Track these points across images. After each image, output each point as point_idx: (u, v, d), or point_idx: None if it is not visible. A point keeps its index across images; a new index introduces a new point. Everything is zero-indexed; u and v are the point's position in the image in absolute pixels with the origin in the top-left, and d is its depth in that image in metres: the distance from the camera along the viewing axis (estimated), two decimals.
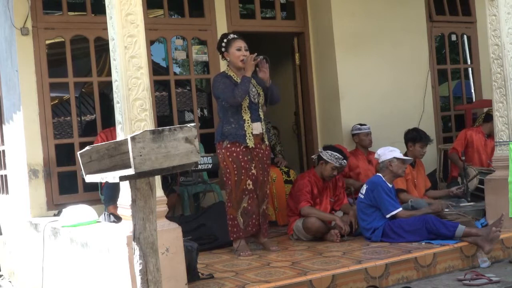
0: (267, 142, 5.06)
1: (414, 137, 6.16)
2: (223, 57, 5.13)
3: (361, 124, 6.53)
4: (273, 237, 5.54)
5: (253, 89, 4.97)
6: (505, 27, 5.37)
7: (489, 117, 6.57)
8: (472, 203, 5.93)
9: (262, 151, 5.00)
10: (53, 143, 5.78)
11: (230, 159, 4.88)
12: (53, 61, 6.21)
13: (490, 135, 6.56)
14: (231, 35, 5.07)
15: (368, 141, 6.48)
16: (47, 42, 5.86)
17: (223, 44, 5.02)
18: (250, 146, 4.88)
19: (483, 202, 5.62)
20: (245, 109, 4.90)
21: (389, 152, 5.30)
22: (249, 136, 4.89)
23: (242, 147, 4.88)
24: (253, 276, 4.15)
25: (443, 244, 4.71)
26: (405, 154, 5.92)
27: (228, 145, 4.88)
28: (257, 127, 4.94)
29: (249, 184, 4.90)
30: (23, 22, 5.61)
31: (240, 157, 4.87)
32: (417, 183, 6.13)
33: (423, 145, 6.11)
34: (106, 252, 3.90)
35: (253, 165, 4.93)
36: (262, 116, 5.01)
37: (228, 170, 4.91)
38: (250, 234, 5.00)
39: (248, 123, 4.90)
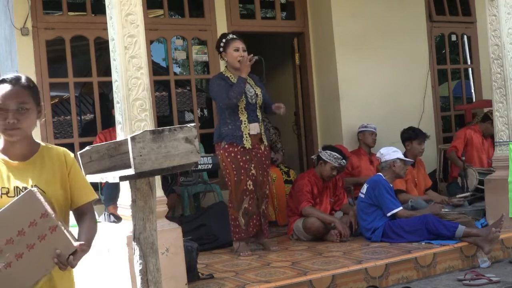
0: (265, 143, 5.02)
1: (410, 136, 6.23)
2: (221, 57, 5.14)
3: (368, 124, 6.58)
4: (273, 237, 5.53)
5: (251, 90, 4.95)
6: (505, 27, 5.37)
7: (486, 118, 6.60)
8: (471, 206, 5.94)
9: (260, 151, 4.99)
10: (53, 143, 5.77)
11: (229, 159, 4.87)
12: (52, 57, 6.19)
13: (485, 135, 6.61)
14: (230, 35, 5.06)
15: (371, 140, 6.52)
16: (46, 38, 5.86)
17: (222, 44, 5.02)
18: (247, 147, 4.88)
19: (483, 202, 5.62)
20: (242, 110, 4.89)
21: (392, 152, 5.32)
22: (246, 137, 4.88)
23: (239, 147, 4.87)
24: (253, 276, 4.15)
25: (443, 244, 4.71)
26: (404, 155, 5.92)
27: (226, 146, 4.88)
28: (255, 128, 4.92)
29: (249, 185, 4.89)
30: (23, 22, 5.60)
31: (239, 157, 4.86)
32: (418, 182, 6.14)
33: (420, 142, 6.18)
34: (106, 252, 3.90)
35: (253, 165, 4.92)
36: (260, 116, 4.99)
37: (227, 171, 4.91)
38: (252, 234, 5.00)
39: (245, 124, 4.89)
